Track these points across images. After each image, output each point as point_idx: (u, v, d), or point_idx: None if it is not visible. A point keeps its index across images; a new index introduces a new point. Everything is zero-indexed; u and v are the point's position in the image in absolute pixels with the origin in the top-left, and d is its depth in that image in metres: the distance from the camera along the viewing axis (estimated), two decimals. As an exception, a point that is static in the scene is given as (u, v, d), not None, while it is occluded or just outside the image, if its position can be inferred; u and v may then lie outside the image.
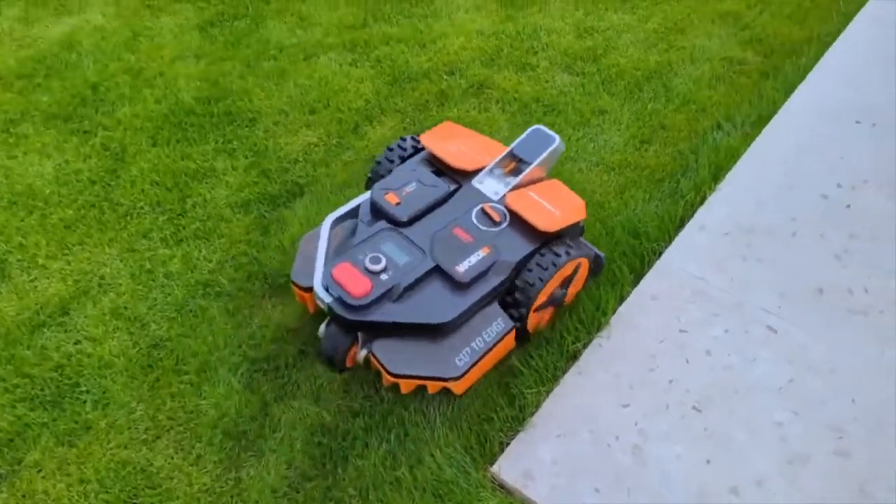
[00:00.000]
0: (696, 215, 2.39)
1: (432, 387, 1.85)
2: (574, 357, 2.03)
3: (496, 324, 1.88)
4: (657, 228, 2.34)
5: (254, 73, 2.96)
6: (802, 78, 2.83)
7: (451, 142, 2.15)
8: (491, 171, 2.12)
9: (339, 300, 1.78)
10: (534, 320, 2.00)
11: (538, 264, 1.91)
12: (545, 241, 1.97)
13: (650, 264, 2.27)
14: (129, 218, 2.42)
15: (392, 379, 1.81)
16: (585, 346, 2.05)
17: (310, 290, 1.88)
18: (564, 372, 2.00)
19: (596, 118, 2.71)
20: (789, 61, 2.92)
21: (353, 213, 2.03)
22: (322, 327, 1.89)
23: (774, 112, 2.69)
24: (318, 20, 3.22)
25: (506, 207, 2.01)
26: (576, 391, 1.97)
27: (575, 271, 2.04)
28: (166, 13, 3.32)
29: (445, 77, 2.93)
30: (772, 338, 2.08)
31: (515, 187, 2.07)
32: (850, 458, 1.81)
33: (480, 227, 1.96)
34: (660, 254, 2.30)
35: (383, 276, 1.81)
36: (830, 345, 2.05)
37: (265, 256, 2.28)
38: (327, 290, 1.81)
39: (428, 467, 1.79)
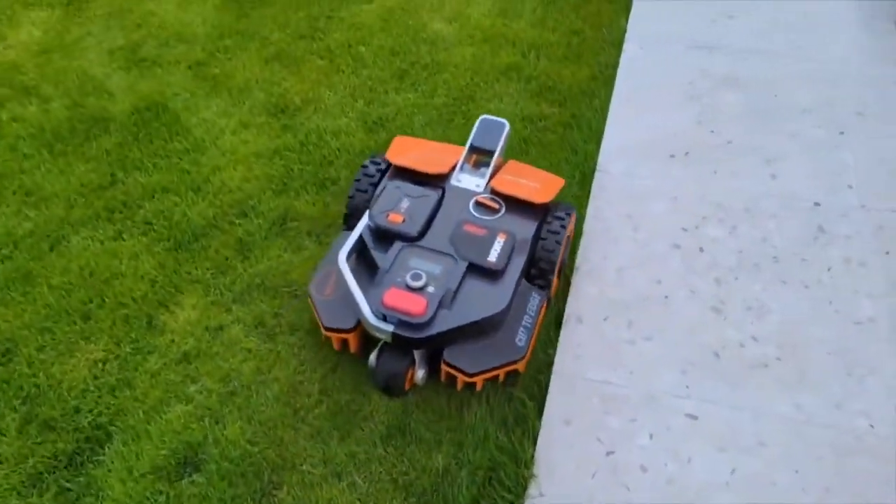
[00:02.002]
0: (568, 306, 2.20)
1: (501, 374, 1.96)
2: (518, 536, 1.73)
3: (533, 298, 2.03)
4: (539, 331, 2.11)
5: (-14, 285, 2.28)
6: (604, 120, 2.76)
7: (412, 153, 2.26)
8: (462, 168, 2.24)
9: (403, 324, 1.83)
10: (554, 287, 2.16)
11: (550, 231, 2.08)
12: (543, 212, 2.13)
13: (547, 380, 2.03)
14: None
15: (469, 379, 1.92)
16: (523, 516, 1.76)
17: (353, 330, 1.96)
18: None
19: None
20: (585, 105, 2.84)
21: (359, 245, 2.04)
22: (372, 358, 1.95)
23: (594, 167, 2.59)
24: (53, 190, 2.56)
25: (497, 195, 2.13)
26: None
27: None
28: None
29: (238, 221, 2.46)
30: (695, 427, 1.93)
31: (492, 176, 2.21)
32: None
33: (485, 218, 2.08)
34: (550, 365, 2.07)
35: (430, 289, 1.88)
36: (748, 412, 1.94)
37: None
38: (385, 318, 1.85)
39: None
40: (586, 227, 2.40)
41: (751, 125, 2.72)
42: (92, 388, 2.04)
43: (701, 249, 2.33)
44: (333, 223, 2.45)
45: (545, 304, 2.08)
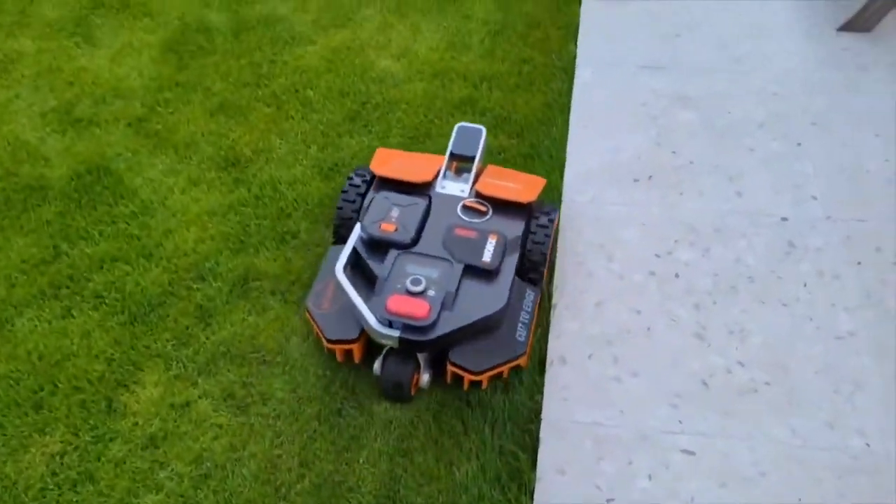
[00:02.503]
0: (550, 346, 2.13)
1: (506, 371, 2.01)
2: None
3: (528, 294, 2.12)
4: (523, 378, 2.04)
5: (-76, 380, 2.09)
6: (564, 148, 2.72)
7: (394, 164, 2.33)
8: (444, 175, 2.31)
9: (409, 328, 1.87)
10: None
11: (539, 225, 2.17)
12: (529, 211, 2.20)
13: (537, 429, 1.95)
14: None
15: (475, 378, 1.97)
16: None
17: (357, 340, 2.00)
18: None
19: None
20: (543, 134, 2.80)
21: (354, 257, 2.07)
22: (377, 366, 1.99)
23: (559, 197, 2.54)
24: (-9, 268, 2.39)
25: (482, 198, 2.21)
26: None
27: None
28: None
29: (196, 286, 2.33)
30: (693, 463, 1.87)
31: (475, 180, 2.28)
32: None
33: (474, 220, 2.15)
34: (538, 412, 2.00)
35: (430, 293, 1.93)
36: (744, 442, 1.90)
37: None
38: (390, 325, 1.89)
39: None
40: (559, 260, 2.35)
41: (709, 143, 2.72)
42: (51, 486, 1.88)
43: (676, 275, 2.30)
44: (298, 279, 2.34)
45: (539, 299, 2.16)
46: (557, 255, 2.36)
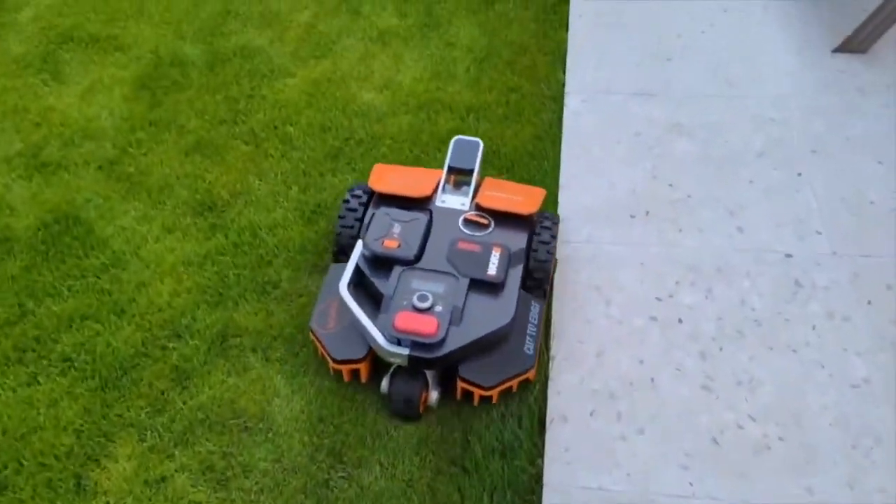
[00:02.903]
0: (550, 403, 2.01)
1: (515, 385, 1.99)
2: None
3: (533, 307, 2.09)
4: (522, 439, 1.92)
5: None
6: (556, 183, 2.61)
7: (392, 179, 2.31)
8: (444, 189, 2.29)
9: (417, 345, 1.86)
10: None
11: (541, 241, 2.14)
12: (531, 222, 2.19)
13: (539, 497, 1.83)
14: None
15: (486, 393, 1.95)
16: None
17: (364, 359, 1.98)
18: None
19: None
20: (534, 168, 2.68)
21: (357, 275, 2.04)
22: (385, 385, 1.97)
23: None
24: (-49, 331, 2.24)
25: (484, 210, 2.20)
26: None
27: None
28: None
29: (171, 345, 2.19)
30: (707, 530, 1.76)
31: (475, 193, 2.27)
32: None
33: (477, 234, 2.14)
34: (539, 477, 1.87)
35: (438, 308, 1.91)
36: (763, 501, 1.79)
37: None
38: (399, 342, 1.87)
39: None
40: (556, 306, 2.23)
41: (707, 175, 2.61)
42: (15, 579, 1.74)
43: (679, 320, 2.19)
44: (280, 334, 2.21)
45: (544, 309, 2.14)
46: (554, 300, 2.24)
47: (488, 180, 2.35)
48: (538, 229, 2.17)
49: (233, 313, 2.27)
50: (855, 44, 3.03)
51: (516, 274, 2.06)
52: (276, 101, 3.01)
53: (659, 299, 2.24)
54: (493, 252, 2.05)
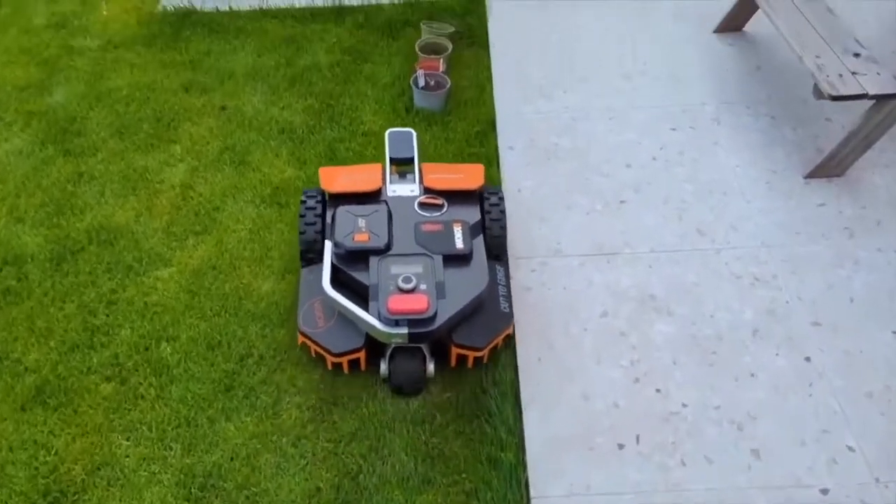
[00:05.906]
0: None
1: (500, 342, 2.16)
2: None
3: (498, 270, 2.30)
4: None
5: None
6: (517, 417, 2.05)
7: (340, 179, 2.36)
8: (390, 179, 2.39)
9: (415, 322, 1.95)
10: None
11: (493, 219, 2.31)
12: (479, 195, 2.35)
13: None
14: None
15: (479, 353, 2.09)
16: None
17: (363, 348, 2.07)
18: None
19: None
20: (487, 382, 2.13)
21: (333, 273, 2.10)
22: (384, 367, 2.07)
23: (526, 497, 1.86)
24: None
25: (434, 192, 2.32)
26: None
27: None
28: None
29: None
30: None
31: (422, 178, 2.37)
32: None
33: (435, 214, 2.26)
34: None
35: (422, 287, 2.01)
36: None
37: None
38: (397, 323, 1.95)
39: None
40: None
41: (700, 371, 2.11)
42: None
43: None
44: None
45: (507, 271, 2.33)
46: None
47: (427, 165, 2.45)
48: (487, 206, 2.31)
49: None
50: (829, 168, 2.65)
51: (479, 243, 2.21)
52: (147, 306, 2.34)
53: (676, 583, 1.71)
54: (455, 228, 2.18)
